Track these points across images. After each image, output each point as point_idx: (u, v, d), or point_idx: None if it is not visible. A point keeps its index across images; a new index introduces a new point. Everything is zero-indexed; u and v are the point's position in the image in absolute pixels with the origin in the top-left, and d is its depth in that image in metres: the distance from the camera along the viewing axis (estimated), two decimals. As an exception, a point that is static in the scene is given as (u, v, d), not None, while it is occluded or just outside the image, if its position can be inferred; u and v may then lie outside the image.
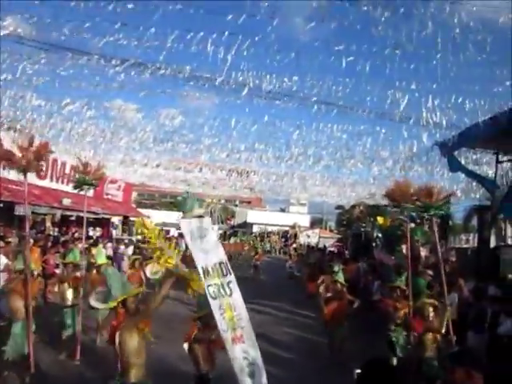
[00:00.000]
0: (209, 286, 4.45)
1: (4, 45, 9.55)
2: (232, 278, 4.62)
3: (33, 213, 18.42)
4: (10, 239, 12.99)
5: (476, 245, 16.02)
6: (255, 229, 47.04)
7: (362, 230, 25.77)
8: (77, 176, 7.72)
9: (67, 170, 22.12)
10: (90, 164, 7.91)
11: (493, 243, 14.39)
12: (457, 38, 8.43)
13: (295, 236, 41.48)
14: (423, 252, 17.18)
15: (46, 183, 20.07)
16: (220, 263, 4.60)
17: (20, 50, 9.79)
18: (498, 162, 12.47)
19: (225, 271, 4.60)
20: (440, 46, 8.92)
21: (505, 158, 12.64)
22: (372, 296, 12.07)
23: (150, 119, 15.10)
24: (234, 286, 4.61)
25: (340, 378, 6.94)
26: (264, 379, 4.39)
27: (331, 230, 49.95)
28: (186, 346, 5.63)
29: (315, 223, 52.89)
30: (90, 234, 23.91)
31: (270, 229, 45.17)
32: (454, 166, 12.03)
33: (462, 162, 12.50)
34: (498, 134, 9.80)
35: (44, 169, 6.56)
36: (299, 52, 9.80)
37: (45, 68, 10.07)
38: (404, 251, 16.51)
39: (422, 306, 6.35)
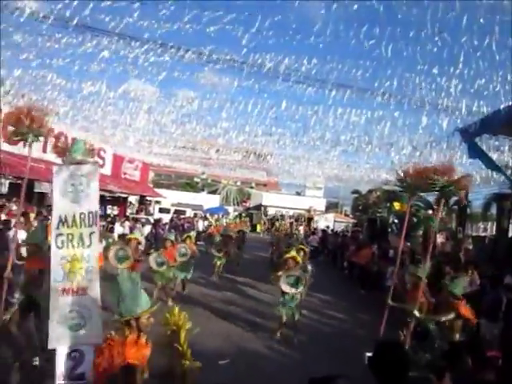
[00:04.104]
0: (58, 235, 4.38)
1: (25, 24, 9.63)
2: (96, 229, 4.50)
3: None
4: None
5: (494, 233, 15.84)
6: (270, 211, 47.12)
7: (378, 215, 25.62)
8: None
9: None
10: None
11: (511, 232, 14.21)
12: (480, 21, 8.21)
13: (308, 220, 41.39)
14: (439, 239, 17.07)
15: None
16: (89, 212, 4.48)
17: (40, 30, 9.87)
18: (519, 149, 12.25)
19: (91, 221, 4.47)
20: (463, 29, 8.71)
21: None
22: (385, 281, 12.05)
23: (169, 101, 15.15)
24: (95, 237, 4.49)
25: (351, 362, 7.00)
26: (93, 336, 4.13)
27: (346, 215, 49.71)
28: None
29: (331, 207, 52.72)
30: (108, 212, 24.29)
31: (284, 212, 45.15)
32: (475, 152, 11.83)
33: (483, 148, 12.29)
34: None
35: (45, 136, 5.28)
36: (318, 35, 9.65)
37: (65, 48, 10.15)
38: (419, 237, 16.48)
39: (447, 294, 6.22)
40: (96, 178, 4.59)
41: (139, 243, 9.45)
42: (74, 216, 4.44)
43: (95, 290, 4.33)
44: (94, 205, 4.54)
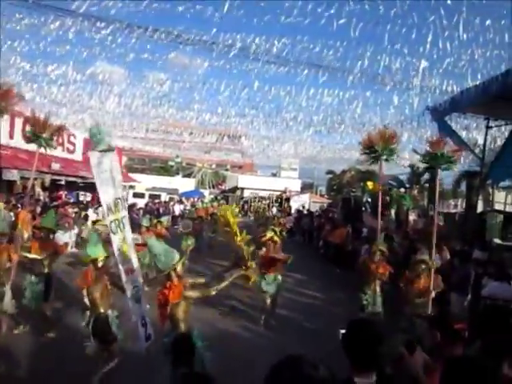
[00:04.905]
0: (111, 222, 4.72)
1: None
2: (126, 213, 4.99)
3: (22, 178, 18.27)
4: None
5: (464, 210, 16.28)
6: (246, 193, 47.15)
7: (352, 194, 25.99)
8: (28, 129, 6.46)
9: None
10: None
11: (480, 208, 14.62)
12: (447, 1, 8.26)
13: (281, 200, 41.51)
14: (411, 216, 17.47)
15: (34, 147, 19.76)
16: (118, 198, 4.87)
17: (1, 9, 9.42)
18: (488, 127, 12.51)
19: (122, 206, 4.91)
20: (431, 9, 8.76)
21: (494, 124, 12.66)
22: (360, 260, 12.25)
23: (138, 83, 14.83)
24: (127, 221, 4.98)
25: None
26: (146, 302, 4.99)
27: (322, 195, 50.21)
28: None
29: (306, 188, 53.09)
30: (80, 198, 23.85)
31: (261, 193, 45.22)
32: (445, 131, 12.03)
33: (453, 127, 12.51)
34: (490, 100, 9.78)
35: (10, 111, 5.50)
36: (289, 14, 9.54)
37: (27, 30, 9.74)
38: (393, 216, 16.83)
39: (415, 264, 6.33)
40: (118, 163, 4.97)
41: None
42: (114, 202, 4.80)
43: (137, 266, 4.98)
44: (121, 190, 4.98)
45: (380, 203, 7.67)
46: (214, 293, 4.50)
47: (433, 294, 6.04)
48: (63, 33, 9.70)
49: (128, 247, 4.89)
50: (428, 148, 5.95)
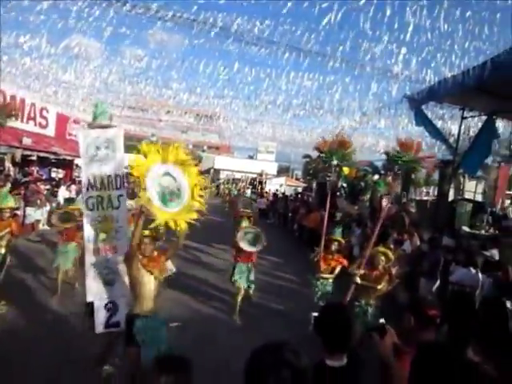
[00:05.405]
0: (89, 197, 4.66)
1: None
2: (124, 192, 4.88)
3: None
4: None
5: (435, 197, 16.64)
6: (222, 175, 46.99)
7: (328, 179, 26.19)
8: None
9: (26, 108, 21.07)
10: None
11: (451, 197, 14.97)
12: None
13: (258, 183, 41.72)
14: (384, 202, 17.75)
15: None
16: (116, 175, 4.79)
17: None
18: (463, 117, 12.72)
19: (119, 184, 4.80)
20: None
21: (469, 114, 12.88)
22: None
23: (115, 59, 14.45)
24: (124, 200, 4.86)
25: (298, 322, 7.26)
26: (124, 288, 4.65)
27: (297, 179, 50.47)
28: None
29: (282, 171, 53.25)
30: (53, 175, 23.31)
31: (237, 175, 45.13)
32: (420, 120, 12.19)
33: (429, 116, 12.68)
34: (466, 91, 9.92)
35: None
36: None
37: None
38: (366, 201, 17.08)
39: (374, 254, 6.15)
40: (121, 141, 4.80)
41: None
42: (102, 179, 4.68)
43: (124, 248, 4.57)
44: (120, 168, 4.82)
45: (329, 203, 7.72)
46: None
47: (384, 288, 5.98)
48: (37, 2, 9.33)
49: (112, 225, 4.77)
50: (397, 147, 6.05)
